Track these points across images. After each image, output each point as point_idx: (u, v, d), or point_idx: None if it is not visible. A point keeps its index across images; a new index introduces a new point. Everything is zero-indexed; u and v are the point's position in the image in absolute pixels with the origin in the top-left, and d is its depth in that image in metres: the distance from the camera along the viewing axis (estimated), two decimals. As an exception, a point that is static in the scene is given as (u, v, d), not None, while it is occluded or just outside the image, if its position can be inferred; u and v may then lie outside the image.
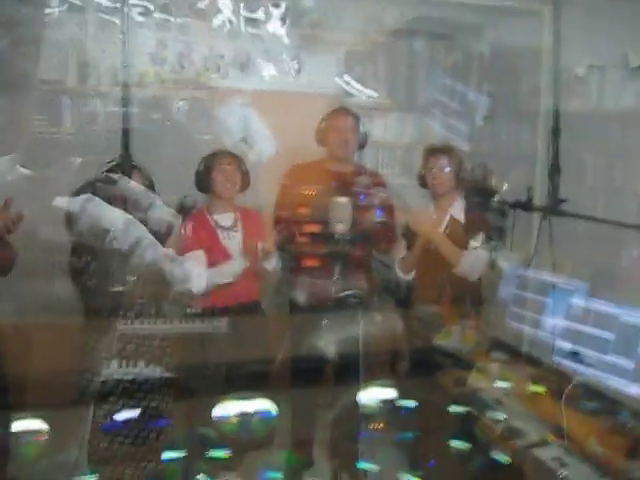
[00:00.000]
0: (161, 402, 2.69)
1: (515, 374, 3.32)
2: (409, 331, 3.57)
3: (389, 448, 3.24)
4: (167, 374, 2.87)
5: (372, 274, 3.74)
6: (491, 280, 3.68)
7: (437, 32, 4.62)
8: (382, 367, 3.21)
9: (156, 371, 2.87)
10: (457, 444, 2.77)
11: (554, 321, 3.18)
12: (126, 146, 2.37)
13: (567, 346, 3.12)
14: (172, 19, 3.92)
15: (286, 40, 4.02)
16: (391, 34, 4.61)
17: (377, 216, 3.51)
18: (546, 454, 2.71)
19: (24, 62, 2.93)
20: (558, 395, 2.99)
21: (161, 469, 2.58)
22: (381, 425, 3.10)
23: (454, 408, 2.93)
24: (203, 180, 3.50)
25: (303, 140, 3.76)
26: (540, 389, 3.17)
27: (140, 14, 3.46)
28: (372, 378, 3.04)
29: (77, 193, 2.79)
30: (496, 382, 3.24)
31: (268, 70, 4.21)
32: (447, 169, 3.63)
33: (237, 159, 3.52)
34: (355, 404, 2.94)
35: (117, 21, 3.43)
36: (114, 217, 2.65)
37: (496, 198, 2.98)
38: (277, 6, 3.83)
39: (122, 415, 2.58)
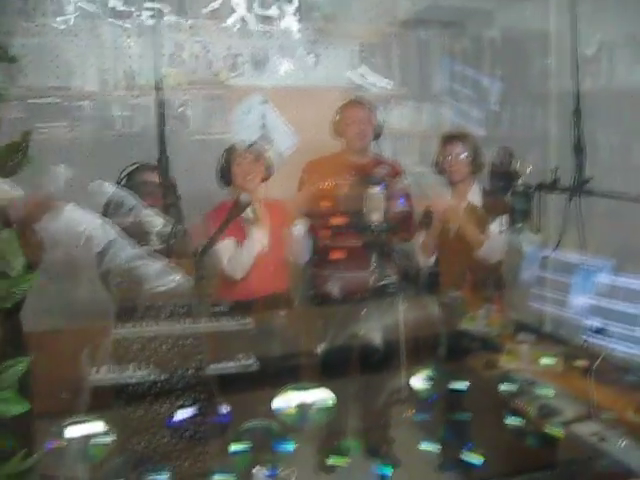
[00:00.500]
0: (216, 397, 2.73)
1: (544, 354, 3.37)
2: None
3: (443, 429, 3.30)
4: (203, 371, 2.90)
5: (395, 262, 3.78)
6: (513, 262, 3.72)
7: (448, 20, 4.66)
8: (424, 352, 3.25)
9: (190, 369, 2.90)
10: (512, 420, 2.80)
11: (582, 299, 3.22)
12: (162, 149, 2.38)
13: (596, 323, 3.17)
14: (187, 20, 3.94)
15: (301, 35, 4.04)
16: (403, 24, 4.65)
17: (399, 205, 3.54)
18: (585, 430, 2.76)
19: None
20: (589, 372, 3.04)
21: (226, 462, 2.62)
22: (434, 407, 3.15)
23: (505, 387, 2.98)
24: (224, 173, 3.52)
25: (323, 134, 3.79)
26: (572, 366, 3.22)
27: (153, 17, 3.47)
28: (415, 363, 3.08)
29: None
30: (527, 363, 3.29)
31: (285, 66, 4.25)
32: (463, 155, 3.67)
33: (256, 150, 3.52)
34: (405, 389, 2.99)
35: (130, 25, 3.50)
36: (88, 220, 2.66)
37: (520, 181, 3.01)
38: (290, 1, 3.85)
39: (184, 412, 2.63)
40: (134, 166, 3.29)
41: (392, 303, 3.03)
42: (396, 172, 3.76)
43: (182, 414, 2.70)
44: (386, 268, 3.32)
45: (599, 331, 3.18)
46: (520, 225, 3.03)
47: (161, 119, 2.37)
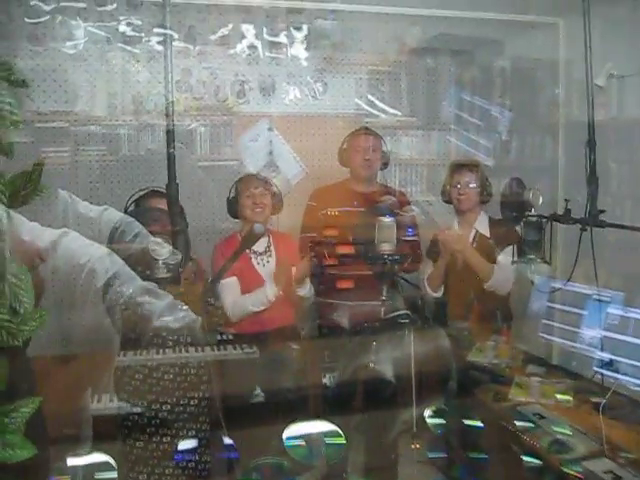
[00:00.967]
0: (219, 431, 2.68)
1: (554, 387, 3.32)
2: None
3: (457, 468, 3.23)
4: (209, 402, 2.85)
5: (401, 293, 3.73)
6: (522, 294, 3.68)
7: (458, 49, 4.67)
8: (435, 386, 3.20)
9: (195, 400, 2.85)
10: (529, 459, 2.74)
11: (593, 332, 3.17)
12: (171, 175, 2.34)
13: (606, 357, 3.12)
14: (195, 47, 3.94)
15: (309, 62, 4.04)
16: (413, 52, 4.66)
17: (407, 235, 3.50)
18: (598, 467, 2.69)
19: None
20: (601, 407, 2.98)
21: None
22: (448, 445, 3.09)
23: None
24: (233, 205, 3.50)
25: (331, 161, 3.77)
26: (582, 400, 3.16)
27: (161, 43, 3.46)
28: (425, 397, 3.02)
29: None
30: (537, 396, 3.23)
31: (292, 93, 4.24)
32: (472, 184, 3.65)
33: (266, 183, 3.51)
34: (416, 424, 2.93)
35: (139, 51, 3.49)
36: (90, 252, 2.60)
37: (532, 211, 2.97)
38: (299, 29, 3.85)
39: (189, 444, 2.57)
40: (142, 192, 3.27)
41: (402, 335, 2.98)
42: (403, 202, 3.74)
43: (187, 446, 2.64)
44: (396, 299, 3.28)
45: (610, 364, 3.13)
46: (532, 256, 2.98)
47: (170, 144, 2.34)
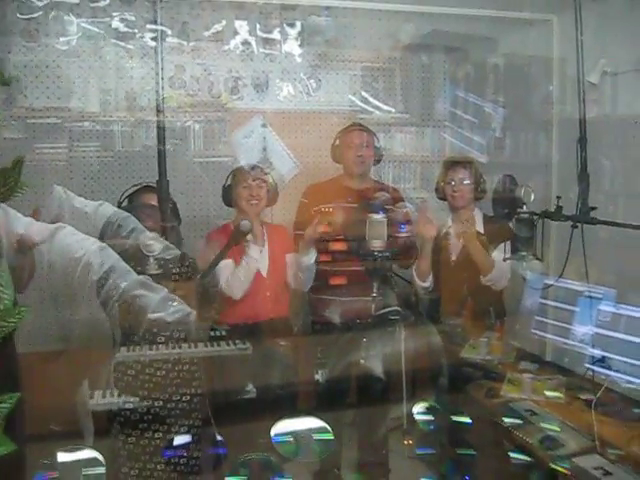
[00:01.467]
0: (211, 427, 2.68)
1: (547, 384, 3.33)
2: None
3: (446, 464, 3.24)
4: (201, 398, 2.85)
5: (394, 289, 3.74)
6: (516, 290, 3.68)
7: (451, 46, 4.67)
8: (425, 382, 3.21)
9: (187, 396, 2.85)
10: (517, 456, 2.75)
11: (585, 329, 3.18)
12: (162, 171, 2.35)
13: (598, 353, 3.13)
14: (189, 43, 3.94)
15: (303, 59, 4.04)
16: (407, 49, 4.66)
17: (400, 231, 3.50)
18: (588, 463, 2.70)
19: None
20: (593, 403, 2.99)
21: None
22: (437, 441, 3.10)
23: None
24: (229, 195, 3.51)
25: (324, 158, 3.77)
26: (574, 397, 3.17)
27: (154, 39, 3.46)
28: (416, 394, 3.03)
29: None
30: (529, 393, 3.24)
31: (286, 90, 4.24)
32: (466, 181, 3.65)
33: (263, 175, 3.50)
34: (405, 421, 2.93)
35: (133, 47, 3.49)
36: (85, 246, 2.60)
37: (524, 208, 2.98)
38: (293, 26, 3.84)
39: (179, 440, 2.57)
40: (136, 187, 3.27)
41: (393, 332, 2.98)
42: (396, 198, 3.73)
43: (178, 442, 2.64)
44: (388, 295, 3.28)
45: (602, 361, 3.14)
46: (523, 253, 2.99)
47: (161, 140, 2.34)
